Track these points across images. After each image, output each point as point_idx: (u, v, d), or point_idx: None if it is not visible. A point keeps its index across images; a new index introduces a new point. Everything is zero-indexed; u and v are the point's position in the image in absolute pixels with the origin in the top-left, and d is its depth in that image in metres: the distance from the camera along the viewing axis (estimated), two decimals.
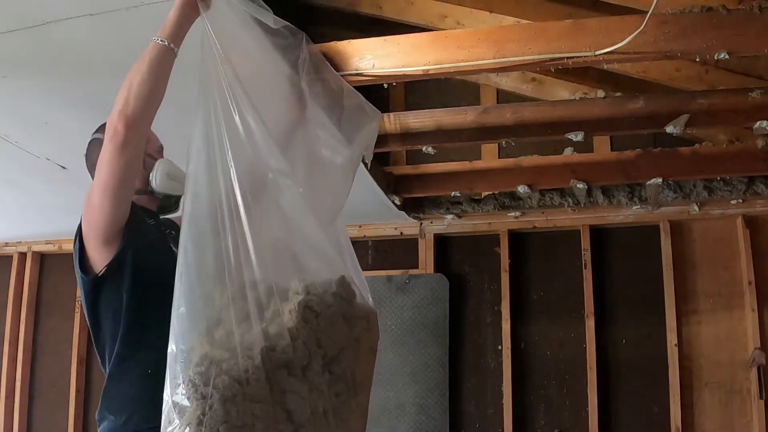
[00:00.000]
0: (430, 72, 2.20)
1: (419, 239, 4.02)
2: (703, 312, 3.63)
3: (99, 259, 1.71)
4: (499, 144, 3.77)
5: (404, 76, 2.25)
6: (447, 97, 3.66)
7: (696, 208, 3.61)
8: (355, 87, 2.41)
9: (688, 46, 2.03)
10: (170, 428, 1.32)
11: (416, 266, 3.99)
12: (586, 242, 3.79)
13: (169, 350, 1.39)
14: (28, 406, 4.43)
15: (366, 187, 3.27)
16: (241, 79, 1.57)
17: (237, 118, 1.53)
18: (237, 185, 1.46)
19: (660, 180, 3.31)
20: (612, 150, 3.62)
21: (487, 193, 3.74)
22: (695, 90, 2.82)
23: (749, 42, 2.02)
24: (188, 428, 1.30)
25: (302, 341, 1.42)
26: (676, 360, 3.57)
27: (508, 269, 3.87)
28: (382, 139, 2.92)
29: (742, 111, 2.65)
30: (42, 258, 4.63)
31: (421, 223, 3.98)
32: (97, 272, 1.71)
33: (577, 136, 2.79)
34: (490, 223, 3.92)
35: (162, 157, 1.93)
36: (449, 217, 3.88)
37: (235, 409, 1.32)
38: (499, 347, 3.82)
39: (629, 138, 3.52)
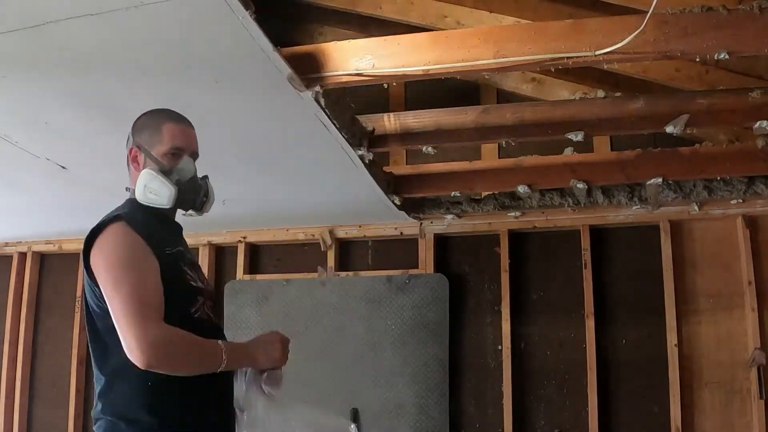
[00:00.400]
0: (430, 72, 2.20)
1: (419, 239, 4.02)
2: (703, 312, 3.63)
3: None
4: (499, 144, 3.77)
5: (404, 76, 2.25)
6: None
7: (696, 208, 3.60)
8: (355, 87, 2.42)
9: (688, 46, 2.04)
10: None
11: (416, 266, 3.99)
12: (586, 242, 3.79)
13: None
14: (28, 406, 4.43)
15: (366, 187, 3.27)
16: None
17: None
18: None
19: (660, 180, 3.31)
20: (612, 150, 3.62)
21: (487, 193, 3.74)
22: (695, 90, 2.83)
23: (749, 42, 2.02)
24: None
25: None
26: (676, 360, 3.57)
27: (508, 269, 3.87)
28: (382, 139, 2.92)
29: (742, 111, 2.65)
30: (42, 258, 4.63)
31: (421, 223, 3.99)
32: None
33: (577, 136, 2.80)
34: (490, 223, 3.91)
35: (172, 161, 1.89)
36: (449, 217, 3.88)
37: None
38: (499, 347, 3.82)
39: (629, 138, 3.53)
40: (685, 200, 3.50)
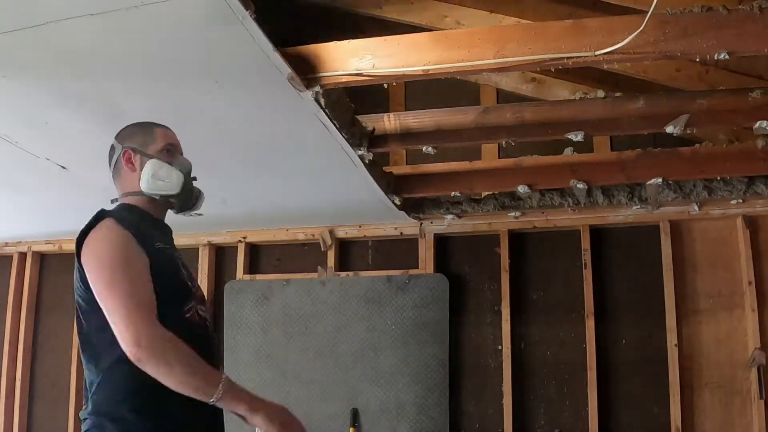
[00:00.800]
0: (430, 72, 2.20)
1: (419, 239, 4.02)
2: (703, 312, 3.63)
3: None
4: (499, 144, 3.77)
5: (404, 76, 2.25)
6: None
7: (696, 208, 3.60)
8: (355, 87, 2.42)
9: (688, 46, 2.03)
10: None
11: (416, 266, 3.99)
12: (586, 242, 3.78)
13: None
14: (28, 406, 4.43)
15: (366, 187, 3.27)
16: None
17: None
18: None
19: (660, 180, 3.30)
20: (612, 150, 3.62)
21: (487, 193, 3.74)
22: (695, 90, 2.83)
23: (749, 42, 2.02)
24: None
25: None
26: (676, 360, 3.56)
27: (508, 269, 3.87)
28: (382, 139, 2.92)
29: (742, 111, 2.65)
30: (42, 258, 4.63)
31: (421, 223, 3.98)
32: None
33: (577, 136, 2.79)
34: (490, 223, 3.91)
35: (169, 156, 1.94)
36: (449, 217, 3.88)
37: None
38: (499, 347, 3.82)
39: (629, 138, 3.52)
40: (685, 200, 3.50)
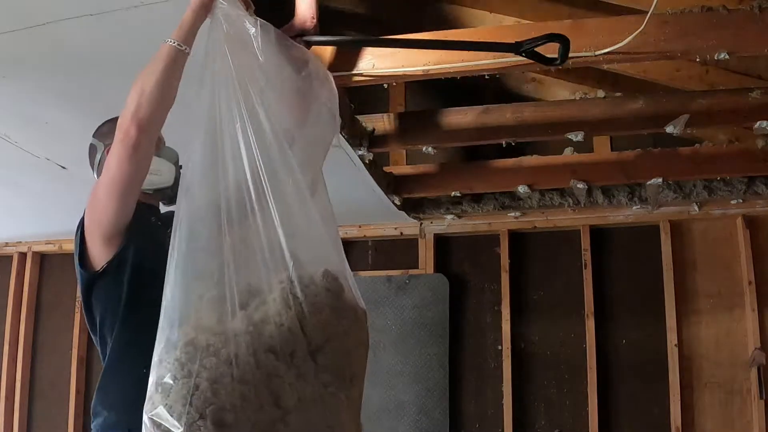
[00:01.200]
0: (430, 72, 2.20)
1: (419, 239, 4.02)
2: (703, 312, 3.63)
3: (99, 255, 1.72)
4: (499, 144, 3.77)
5: (404, 76, 2.25)
6: None
7: (696, 208, 3.60)
8: (355, 87, 2.41)
9: (688, 46, 2.03)
10: (152, 408, 1.30)
11: (416, 266, 3.99)
12: (586, 242, 3.79)
13: (158, 336, 1.38)
14: (28, 406, 4.42)
15: (366, 187, 3.27)
16: (249, 77, 1.59)
17: (245, 115, 1.54)
18: (249, 176, 1.49)
19: (660, 180, 3.30)
20: (612, 150, 3.62)
21: (487, 193, 3.74)
22: (695, 90, 2.82)
23: (749, 42, 2.02)
24: (173, 407, 1.28)
25: (287, 327, 1.42)
26: (676, 360, 3.57)
27: (508, 269, 3.87)
28: (382, 139, 2.92)
29: (742, 111, 2.65)
30: (42, 258, 4.62)
31: (421, 223, 3.98)
32: (97, 269, 1.72)
33: (577, 136, 2.79)
34: (490, 223, 3.91)
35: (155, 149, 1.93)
36: (449, 217, 3.88)
37: (223, 390, 1.31)
38: (499, 347, 3.82)
39: (629, 138, 3.52)
40: (685, 200, 3.50)
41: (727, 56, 2.02)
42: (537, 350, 3.82)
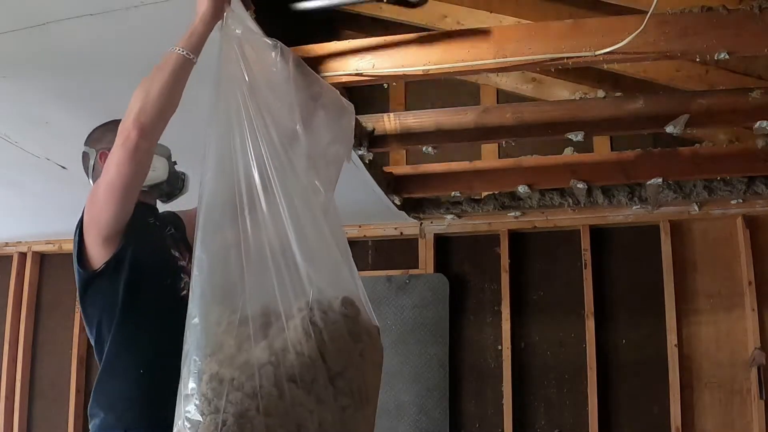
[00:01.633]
0: (430, 72, 2.20)
1: (419, 239, 4.02)
2: (703, 312, 3.63)
3: (98, 255, 1.73)
4: (499, 144, 3.77)
5: (404, 76, 2.25)
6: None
7: (696, 208, 3.60)
8: (355, 87, 2.42)
9: (688, 46, 2.03)
10: None
11: (416, 266, 3.99)
12: (586, 242, 3.79)
13: (183, 359, 1.41)
14: (28, 406, 4.43)
15: (366, 187, 3.26)
16: (258, 87, 1.61)
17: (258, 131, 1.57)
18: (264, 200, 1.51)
19: (660, 180, 3.30)
20: (612, 150, 3.62)
21: (487, 193, 3.74)
22: (695, 90, 2.82)
23: (749, 42, 2.02)
24: None
25: (307, 355, 1.44)
26: (676, 360, 3.57)
27: (508, 269, 3.87)
28: (382, 139, 2.92)
29: (742, 111, 2.65)
30: (42, 258, 4.62)
31: (421, 223, 3.98)
32: (95, 268, 1.73)
33: (577, 136, 2.79)
34: (490, 223, 3.91)
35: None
36: (449, 217, 3.88)
37: (249, 424, 1.34)
38: (499, 347, 3.82)
39: (629, 138, 3.52)
40: (685, 200, 3.50)
41: (727, 56, 2.02)
42: (537, 350, 3.82)
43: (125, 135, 1.59)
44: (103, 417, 1.72)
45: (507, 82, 3.65)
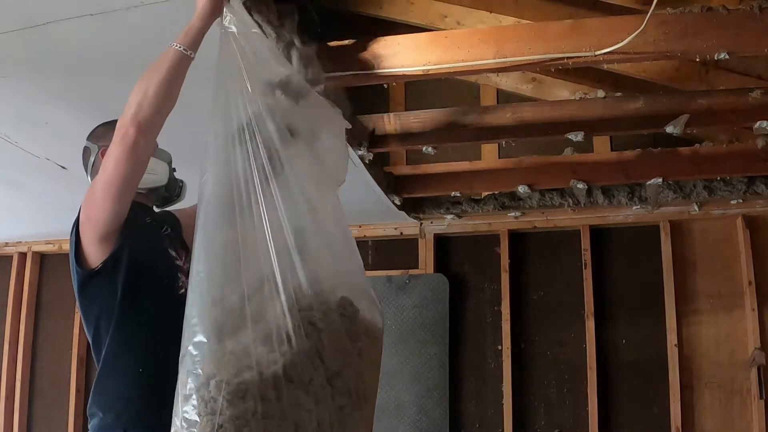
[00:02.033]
0: (430, 72, 2.20)
1: (419, 239, 4.02)
2: (703, 312, 3.63)
3: (94, 253, 1.72)
4: (499, 144, 3.77)
5: (404, 76, 2.25)
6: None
7: (696, 208, 3.60)
8: (355, 87, 2.41)
9: (688, 46, 2.03)
10: None
11: (416, 266, 3.99)
12: (586, 242, 3.79)
13: (181, 359, 1.41)
14: (28, 406, 4.43)
15: (366, 187, 3.27)
16: (256, 84, 1.61)
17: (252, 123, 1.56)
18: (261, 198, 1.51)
19: (660, 180, 3.30)
20: (612, 150, 3.62)
21: (487, 193, 3.74)
22: (695, 90, 2.82)
23: (749, 42, 2.02)
24: None
25: (306, 356, 1.44)
26: (676, 360, 3.57)
27: (508, 269, 3.87)
28: (382, 139, 2.92)
29: (742, 111, 2.65)
30: (42, 258, 4.62)
31: (421, 223, 3.98)
32: (93, 267, 1.73)
33: (577, 136, 2.79)
34: (490, 223, 3.91)
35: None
36: (449, 217, 3.88)
37: (247, 427, 1.34)
38: (499, 347, 3.82)
39: (629, 138, 3.52)
40: (685, 200, 3.50)
41: (727, 56, 2.02)
42: (537, 350, 3.82)
43: (123, 132, 1.59)
44: (102, 417, 1.72)
45: (507, 82, 3.65)
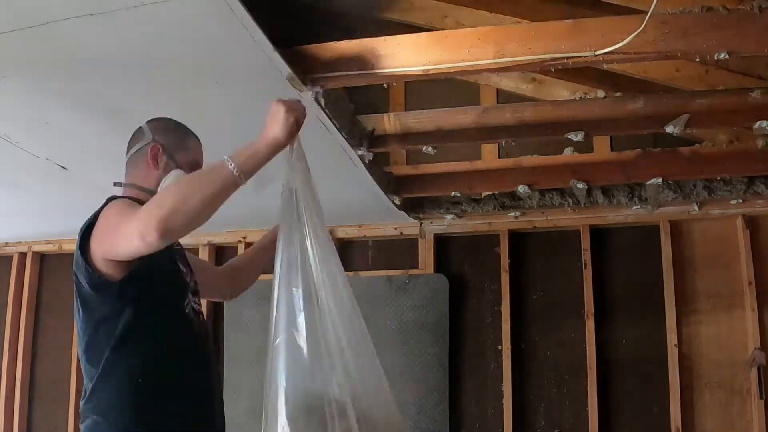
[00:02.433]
0: (430, 72, 2.20)
1: (419, 239, 4.02)
2: (703, 312, 3.63)
3: (108, 268, 1.70)
4: (499, 144, 3.77)
5: (404, 76, 2.25)
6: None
7: (696, 208, 3.60)
8: (355, 87, 2.42)
9: (688, 46, 2.03)
10: None
11: (416, 266, 3.99)
12: (586, 242, 3.79)
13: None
14: (28, 406, 4.43)
15: (366, 187, 3.27)
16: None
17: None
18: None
19: (660, 180, 3.30)
20: (612, 150, 3.62)
21: (487, 193, 3.74)
22: (695, 90, 2.82)
23: (749, 42, 2.02)
24: None
25: None
26: (676, 360, 3.57)
27: (508, 269, 3.87)
28: (382, 139, 2.92)
29: (742, 111, 2.65)
30: (42, 258, 4.62)
31: (421, 223, 3.98)
32: (106, 276, 1.70)
33: (577, 136, 2.79)
34: (490, 223, 3.91)
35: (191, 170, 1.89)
36: (449, 217, 3.88)
37: None
38: (499, 347, 3.82)
39: (629, 138, 3.52)
40: (685, 200, 3.50)
41: (727, 56, 2.02)
42: (537, 350, 3.82)
43: (145, 229, 1.50)
44: (97, 421, 1.72)
45: (507, 82, 3.65)
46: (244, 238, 4.23)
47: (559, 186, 3.53)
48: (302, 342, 1.64)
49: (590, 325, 3.69)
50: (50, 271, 4.59)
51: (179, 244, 1.96)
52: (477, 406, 3.83)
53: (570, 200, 3.60)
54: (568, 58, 2.09)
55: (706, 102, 2.65)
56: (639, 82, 3.05)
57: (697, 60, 2.55)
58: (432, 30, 2.60)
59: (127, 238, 1.56)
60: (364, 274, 4.04)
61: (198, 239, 4.23)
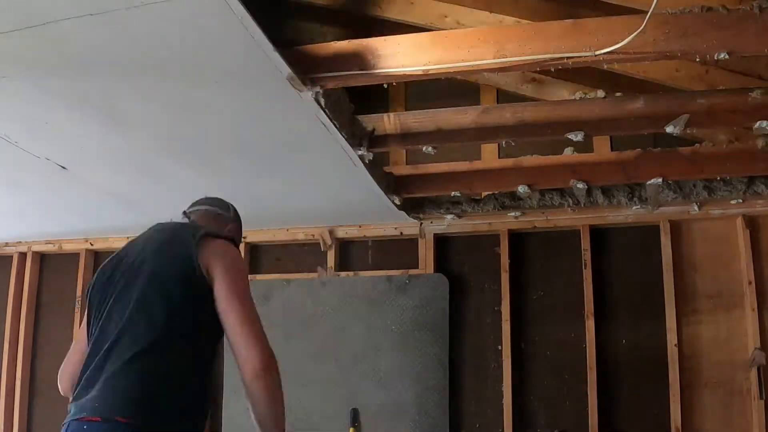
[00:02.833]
0: (430, 72, 2.20)
1: (419, 239, 4.02)
2: (703, 312, 3.63)
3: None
4: (499, 144, 3.77)
5: (404, 76, 2.25)
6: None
7: (696, 208, 3.60)
8: (355, 87, 2.42)
9: (688, 46, 2.04)
10: None
11: (416, 266, 3.99)
12: (586, 242, 3.78)
13: None
14: (28, 406, 4.43)
15: (366, 187, 3.27)
16: None
17: None
18: None
19: (660, 180, 3.30)
20: (612, 150, 3.62)
21: (487, 193, 3.74)
22: (695, 90, 2.83)
23: (749, 42, 2.02)
24: None
25: None
26: (676, 360, 3.56)
27: (508, 269, 3.87)
28: (382, 139, 2.92)
29: (742, 111, 2.65)
30: (42, 258, 4.63)
31: (421, 223, 3.98)
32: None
33: (577, 136, 2.79)
34: (490, 223, 3.91)
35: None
36: (449, 217, 3.88)
37: None
38: (499, 347, 3.82)
39: (629, 138, 3.52)
40: (685, 200, 3.50)
41: (727, 56, 2.02)
42: (537, 350, 3.82)
43: (257, 365, 1.82)
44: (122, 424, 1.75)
45: (507, 82, 3.66)
46: (244, 237, 4.23)
47: (559, 186, 3.53)
48: None
49: (590, 325, 3.69)
50: (50, 271, 4.60)
51: None
52: (477, 406, 3.83)
53: (570, 200, 3.60)
54: (568, 58, 2.09)
55: (706, 102, 2.65)
56: (639, 82, 3.05)
57: (697, 60, 2.54)
58: (432, 30, 2.60)
59: (251, 341, 1.85)
60: (364, 274, 4.04)
61: None
